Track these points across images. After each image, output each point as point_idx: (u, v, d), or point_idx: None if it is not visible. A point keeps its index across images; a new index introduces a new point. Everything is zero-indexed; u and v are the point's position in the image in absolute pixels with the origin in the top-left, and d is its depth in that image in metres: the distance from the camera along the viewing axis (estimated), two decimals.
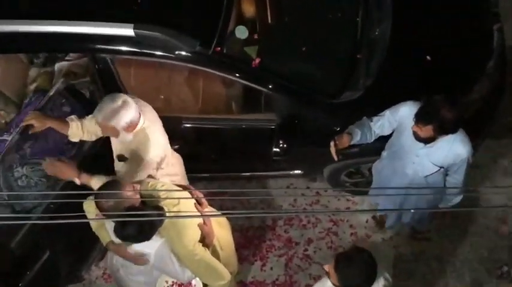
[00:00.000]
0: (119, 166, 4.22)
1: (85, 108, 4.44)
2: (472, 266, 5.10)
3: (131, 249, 3.84)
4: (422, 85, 4.52)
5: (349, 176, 5.17)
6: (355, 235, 5.27)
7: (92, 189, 3.85)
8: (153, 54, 4.29)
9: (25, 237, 4.19)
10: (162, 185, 3.90)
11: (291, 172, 5.29)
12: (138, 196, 3.68)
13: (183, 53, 4.27)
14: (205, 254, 3.90)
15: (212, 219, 4.07)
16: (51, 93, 4.43)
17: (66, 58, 4.79)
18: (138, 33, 4.15)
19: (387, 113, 4.10)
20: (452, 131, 3.81)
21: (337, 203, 5.42)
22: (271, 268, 5.21)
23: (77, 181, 3.93)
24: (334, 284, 3.46)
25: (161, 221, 3.64)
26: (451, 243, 5.22)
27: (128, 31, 4.15)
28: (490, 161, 5.47)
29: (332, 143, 4.03)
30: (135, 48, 4.28)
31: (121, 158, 4.19)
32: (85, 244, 4.68)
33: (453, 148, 3.94)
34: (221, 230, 4.23)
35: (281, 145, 4.47)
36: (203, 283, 4.19)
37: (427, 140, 3.89)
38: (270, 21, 4.75)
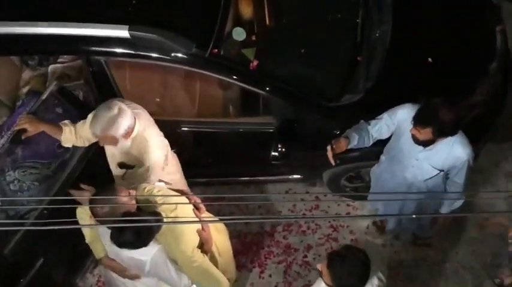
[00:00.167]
0: (120, 172, 4.21)
1: (78, 110, 4.42)
2: (475, 272, 5.05)
3: (126, 256, 3.78)
4: (423, 87, 4.47)
5: (349, 181, 5.13)
6: (355, 241, 5.22)
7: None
8: (149, 56, 4.26)
9: (18, 244, 4.17)
10: (159, 191, 3.88)
11: (290, 177, 5.26)
12: (133, 202, 3.65)
13: (179, 55, 4.24)
14: (204, 260, 3.88)
15: (210, 225, 4.05)
16: (44, 96, 4.40)
17: (60, 60, 4.73)
18: (133, 34, 4.11)
19: (385, 116, 4.08)
20: (452, 133, 3.78)
21: (337, 208, 5.38)
22: (270, 275, 5.17)
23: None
24: (327, 284, 3.43)
25: (159, 227, 3.61)
26: (453, 248, 5.18)
27: (122, 32, 4.12)
28: (492, 166, 5.44)
29: (329, 148, 4.01)
30: (130, 50, 4.25)
31: (123, 165, 4.18)
32: (79, 251, 4.62)
33: (453, 151, 3.91)
34: (219, 236, 4.21)
35: (280, 149, 4.44)
36: None
37: (426, 143, 3.86)
38: (268, 22, 4.72)
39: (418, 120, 3.74)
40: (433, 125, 3.69)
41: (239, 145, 4.85)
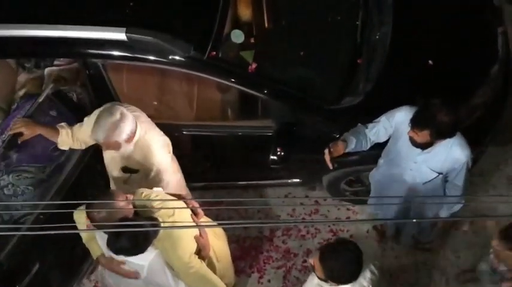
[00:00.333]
0: (122, 177, 4.19)
1: (73, 113, 4.41)
2: (476, 277, 4.97)
3: (124, 261, 3.77)
4: (424, 90, 4.43)
5: (349, 185, 5.11)
6: None
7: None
8: (146, 59, 4.24)
9: (14, 249, 4.13)
10: (156, 195, 3.86)
11: (289, 181, 5.24)
12: (131, 207, 3.64)
13: (177, 57, 4.22)
14: (201, 266, 3.87)
15: (208, 230, 4.04)
16: (40, 99, 4.38)
17: (56, 63, 4.70)
18: (130, 37, 4.10)
19: (383, 119, 4.07)
20: (450, 135, 3.77)
21: (337, 212, 5.35)
22: (269, 281, 5.14)
23: None
24: (320, 278, 3.43)
25: (156, 233, 3.59)
26: (454, 253, 5.15)
27: (119, 35, 4.10)
28: (494, 169, 5.42)
29: (326, 151, 3.99)
30: (128, 53, 4.23)
31: (127, 170, 4.17)
32: (76, 256, 4.63)
33: (451, 153, 3.90)
34: (217, 241, 4.21)
35: (279, 153, 4.41)
36: None
37: (424, 146, 3.85)
38: (267, 24, 4.71)
39: (416, 123, 3.73)
40: (430, 128, 3.68)
41: (237, 149, 4.83)
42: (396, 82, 4.52)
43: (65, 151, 4.27)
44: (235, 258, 4.68)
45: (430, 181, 4.08)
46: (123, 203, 3.57)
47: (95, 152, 4.37)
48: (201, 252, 3.89)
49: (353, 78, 4.69)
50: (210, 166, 5.04)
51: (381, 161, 4.37)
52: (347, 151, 4.05)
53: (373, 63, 4.69)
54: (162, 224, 3.60)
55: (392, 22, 4.73)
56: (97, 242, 3.92)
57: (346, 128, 4.17)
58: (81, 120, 4.18)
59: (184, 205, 3.96)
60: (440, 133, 3.72)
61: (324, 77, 4.67)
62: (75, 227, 3.75)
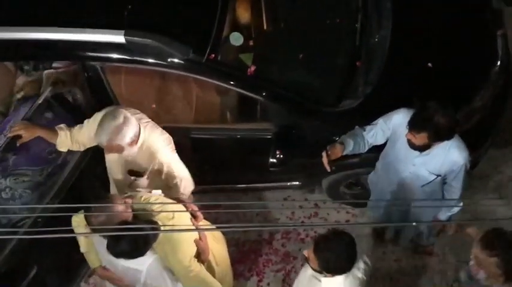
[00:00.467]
0: (127, 180, 4.20)
1: (70, 114, 4.40)
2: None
3: (122, 265, 3.75)
4: (423, 93, 4.40)
5: (349, 188, 5.10)
6: None
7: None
8: (145, 61, 4.24)
9: (12, 253, 4.12)
10: (156, 199, 3.86)
11: (289, 184, 5.22)
12: (130, 211, 3.62)
13: (176, 60, 4.22)
14: (201, 270, 3.87)
15: (207, 233, 4.03)
16: (39, 101, 4.37)
17: (54, 65, 4.70)
18: (129, 40, 4.09)
19: (380, 121, 4.07)
20: (447, 137, 3.77)
21: (337, 215, 5.33)
22: (268, 284, 5.12)
23: None
24: (314, 270, 3.45)
25: (156, 236, 3.58)
26: (455, 257, 5.12)
27: (118, 38, 4.10)
28: (494, 172, 5.41)
29: (324, 154, 3.98)
30: (126, 55, 4.23)
31: (132, 173, 4.17)
32: (74, 260, 4.55)
33: (449, 155, 3.89)
34: (216, 244, 4.19)
35: (278, 156, 4.40)
36: None
37: (422, 148, 3.84)
38: (265, 27, 4.71)
39: (413, 125, 3.72)
40: (428, 130, 3.68)
41: (237, 152, 4.82)
42: (395, 85, 4.52)
43: (61, 152, 4.26)
44: (234, 261, 4.66)
45: (428, 183, 4.07)
46: (121, 207, 3.56)
47: (93, 155, 4.35)
48: (200, 256, 3.87)
49: (352, 81, 4.68)
50: (209, 169, 5.00)
51: (379, 163, 4.37)
52: (345, 153, 4.04)
53: (372, 66, 4.69)
54: (161, 228, 3.59)
55: (391, 25, 4.72)
56: (95, 253, 3.91)
57: (345, 131, 4.16)
58: (79, 122, 4.17)
59: (184, 209, 3.94)
60: (438, 135, 3.72)
61: (323, 80, 4.67)
62: (73, 231, 3.74)
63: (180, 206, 3.96)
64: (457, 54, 4.64)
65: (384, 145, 4.17)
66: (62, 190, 4.30)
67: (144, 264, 3.70)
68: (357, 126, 4.12)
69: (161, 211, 3.69)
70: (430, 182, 4.06)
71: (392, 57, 4.62)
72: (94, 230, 3.55)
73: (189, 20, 4.32)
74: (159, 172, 4.12)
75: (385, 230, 5.09)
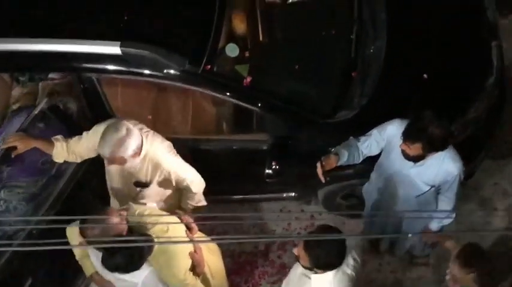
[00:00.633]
0: (132, 192, 4.20)
1: (66, 126, 4.40)
2: None
3: (117, 278, 3.73)
4: (418, 103, 4.42)
5: (345, 199, 5.08)
6: None
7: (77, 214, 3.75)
8: (141, 73, 4.24)
9: (7, 264, 4.10)
10: (151, 212, 3.86)
11: (285, 195, 5.20)
12: (125, 223, 3.61)
13: (172, 71, 4.21)
14: (196, 283, 3.87)
15: (202, 245, 4.02)
16: (35, 112, 4.38)
17: (50, 76, 4.70)
18: (125, 51, 4.10)
19: (374, 132, 4.07)
20: (442, 148, 3.77)
21: None
22: None
23: None
24: (305, 267, 3.46)
25: (151, 249, 3.56)
26: None
27: (114, 49, 4.10)
28: (489, 183, 5.39)
29: (319, 164, 3.96)
30: (122, 67, 4.22)
31: (138, 184, 4.17)
32: (69, 272, 4.58)
33: (444, 166, 3.90)
34: (211, 256, 4.18)
35: (274, 167, 4.40)
36: None
37: (416, 159, 3.84)
38: (261, 38, 4.70)
39: (408, 136, 3.73)
40: (422, 140, 3.68)
41: (232, 163, 4.80)
42: (391, 96, 4.51)
43: (55, 163, 4.25)
44: (230, 273, 4.65)
45: (422, 193, 4.08)
46: (116, 220, 3.54)
47: (89, 166, 4.35)
48: (195, 268, 3.86)
49: (348, 92, 4.68)
50: (205, 180, 4.96)
51: (373, 174, 4.37)
52: (339, 164, 4.03)
53: (368, 77, 4.68)
54: (155, 240, 3.58)
55: (386, 36, 4.72)
56: (90, 259, 3.89)
57: (341, 142, 4.14)
58: (72, 132, 4.17)
59: (178, 221, 3.93)
60: (432, 146, 3.72)
61: (319, 91, 4.66)
62: (68, 243, 3.70)
63: (175, 219, 3.94)
64: (452, 65, 4.64)
65: (379, 155, 4.16)
66: (57, 201, 4.29)
67: (139, 276, 3.67)
68: (351, 137, 4.12)
69: (156, 223, 3.68)
70: (425, 192, 4.06)
71: (387, 69, 4.62)
72: (89, 242, 3.54)
73: (185, 31, 4.33)
74: (168, 178, 4.13)
75: (379, 241, 5.08)
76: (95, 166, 4.33)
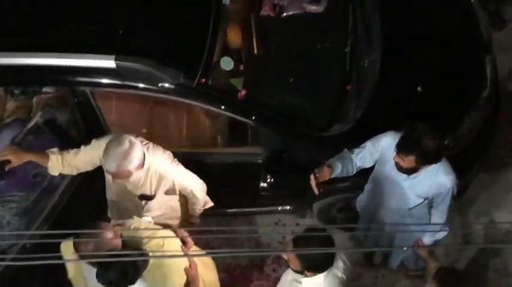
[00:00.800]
0: (136, 207, 4.18)
1: (59, 139, 4.39)
2: None
3: None
4: (413, 116, 4.41)
5: (340, 212, 5.06)
6: None
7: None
8: (135, 86, 4.22)
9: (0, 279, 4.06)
10: (145, 227, 3.85)
11: (280, 208, 5.20)
12: (119, 239, 3.59)
13: (167, 85, 4.20)
14: None
15: (197, 260, 3.98)
16: (29, 125, 4.37)
17: (45, 90, 4.68)
18: (119, 64, 4.09)
19: (368, 144, 4.07)
20: (435, 160, 3.77)
21: None
22: None
23: None
24: (295, 271, 3.47)
25: (146, 264, 3.54)
26: None
27: (108, 63, 4.09)
28: (484, 196, 5.38)
29: (312, 177, 3.96)
30: (117, 80, 4.21)
31: (143, 197, 4.16)
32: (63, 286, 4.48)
33: (437, 178, 3.90)
34: (206, 271, 4.16)
35: (269, 180, 4.40)
36: None
37: (409, 171, 3.85)
38: (256, 51, 4.71)
39: (401, 148, 3.73)
40: (416, 153, 3.68)
41: (227, 176, 4.78)
42: (386, 109, 4.52)
43: (46, 176, 4.23)
44: None
45: (415, 206, 4.08)
46: (111, 235, 3.53)
47: (84, 179, 4.34)
48: (190, 285, 3.84)
49: (342, 105, 4.68)
50: None
51: (367, 187, 4.36)
52: (333, 176, 4.02)
53: (363, 90, 4.68)
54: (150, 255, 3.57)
55: (381, 49, 4.73)
56: (84, 279, 3.85)
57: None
58: (63, 143, 4.17)
59: (174, 235, 3.92)
60: (426, 158, 3.72)
61: (314, 104, 4.66)
62: (62, 258, 3.68)
63: (170, 232, 3.93)
64: (447, 78, 4.65)
65: (373, 167, 4.16)
66: (51, 215, 4.26)
67: None
68: (345, 149, 4.12)
69: (151, 238, 3.66)
70: (417, 205, 4.06)
71: (382, 82, 4.62)
72: (82, 257, 3.51)
73: (179, 45, 4.32)
74: (172, 188, 4.15)
75: (373, 254, 5.07)
76: (89, 179, 4.31)
